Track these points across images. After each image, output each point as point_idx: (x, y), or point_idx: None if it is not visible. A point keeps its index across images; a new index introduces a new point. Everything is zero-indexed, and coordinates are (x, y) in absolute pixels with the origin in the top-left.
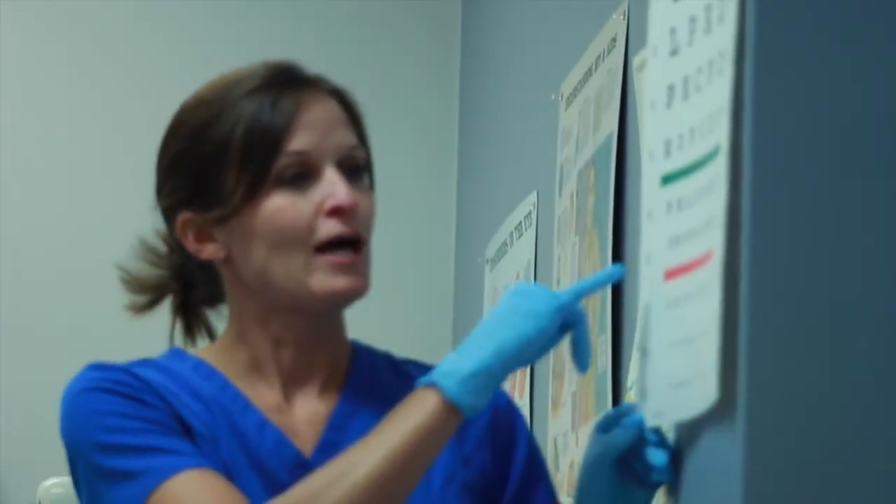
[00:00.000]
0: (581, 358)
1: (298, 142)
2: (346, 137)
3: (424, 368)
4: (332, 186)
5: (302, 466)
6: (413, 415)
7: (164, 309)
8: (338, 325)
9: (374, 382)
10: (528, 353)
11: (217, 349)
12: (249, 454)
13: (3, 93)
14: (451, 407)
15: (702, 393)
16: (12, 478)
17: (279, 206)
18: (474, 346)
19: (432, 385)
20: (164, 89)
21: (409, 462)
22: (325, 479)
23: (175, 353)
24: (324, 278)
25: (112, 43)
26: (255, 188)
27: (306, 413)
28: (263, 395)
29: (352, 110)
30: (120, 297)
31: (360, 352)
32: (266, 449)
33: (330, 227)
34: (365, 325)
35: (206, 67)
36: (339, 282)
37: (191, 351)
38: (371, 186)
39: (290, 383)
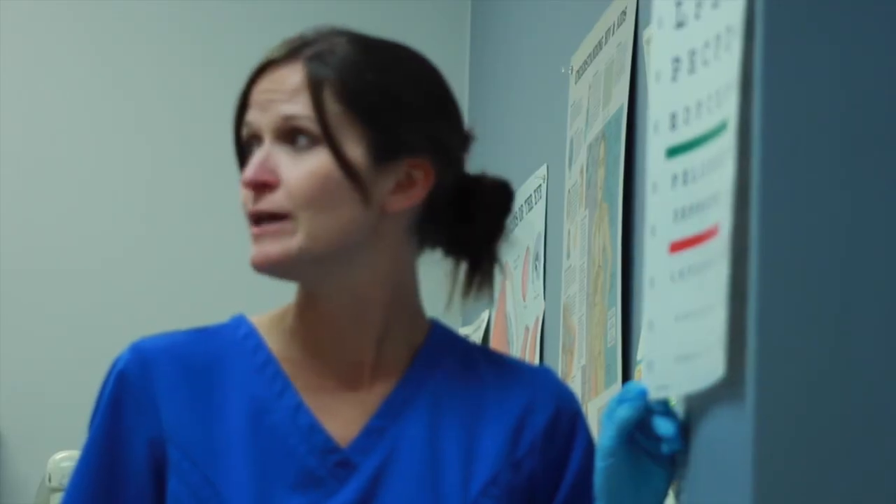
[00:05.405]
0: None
1: (249, 115)
2: (286, 108)
3: (498, 363)
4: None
5: (333, 453)
6: None
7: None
8: (364, 300)
9: (441, 371)
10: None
11: (275, 314)
12: (281, 442)
13: (3, 92)
14: None
15: (708, 367)
16: (22, 452)
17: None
18: None
19: None
20: (165, 86)
21: None
22: None
23: (236, 320)
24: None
25: (113, 40)
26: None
27: (362, 395)
28: (312, 372)
29: (321, 76)
30: (121, 277)
31: (435, 335)
32: (299, 434)
33: (247, 204)
34: None
35: (208, 67)
36: (251, 252)
37: (253, 317)
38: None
39: (343, 363)
